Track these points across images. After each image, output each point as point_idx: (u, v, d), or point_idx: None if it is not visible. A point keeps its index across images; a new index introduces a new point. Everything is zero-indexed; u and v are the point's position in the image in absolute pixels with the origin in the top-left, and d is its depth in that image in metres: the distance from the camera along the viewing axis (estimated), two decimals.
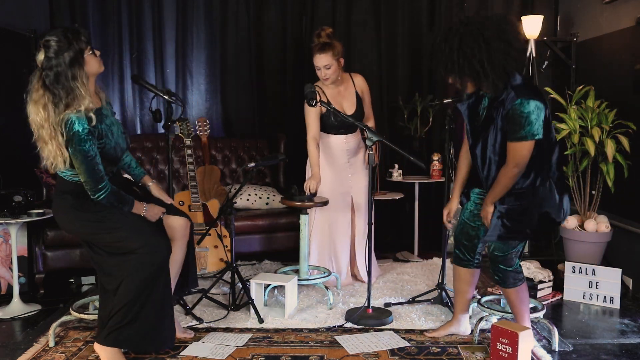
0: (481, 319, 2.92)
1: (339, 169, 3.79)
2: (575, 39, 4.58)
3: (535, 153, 2.53)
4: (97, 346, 2.61)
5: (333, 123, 3.71)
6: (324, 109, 3.66)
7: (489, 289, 3.70)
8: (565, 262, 3.69)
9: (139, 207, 2.68)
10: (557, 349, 2.84)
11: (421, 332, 3.02)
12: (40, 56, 2.48)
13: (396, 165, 4.76)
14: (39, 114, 2.47)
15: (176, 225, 2.82)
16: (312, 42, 3.70)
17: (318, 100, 3.30)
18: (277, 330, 3.05)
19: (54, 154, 2.50)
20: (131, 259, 2.56)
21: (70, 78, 2.45)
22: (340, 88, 3.76)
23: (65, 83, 2.45)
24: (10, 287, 3.58)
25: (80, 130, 2.46)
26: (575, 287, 3.60)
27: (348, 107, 3.73)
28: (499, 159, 2.59)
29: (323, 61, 3.57)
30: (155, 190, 2.94)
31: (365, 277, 3.77)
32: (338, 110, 3.43)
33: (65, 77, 2.45)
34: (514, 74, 2.53)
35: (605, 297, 3.50)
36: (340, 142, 3.78)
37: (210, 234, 3.83)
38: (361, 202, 3.83)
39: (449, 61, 2.52)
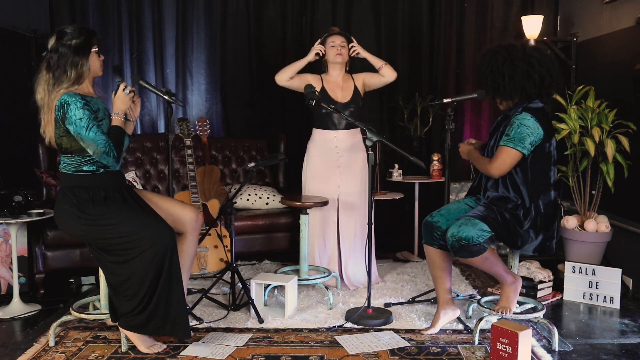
0: (481, 319, 2.91)
1: (326, 166, 3.78)
2: (575, 39, 4.58)
3: (531, 178, 2.77)
4: (120, 328, 2.74)
5: (320, 112, 3.75)
6: (319, 86, 3.78)
7: (489, 289, 3.70)
8: (565, 262, 3.69)
9: (117, 120, 2.66)
10: (557, 349, 2.84)
11: (421, 332, 3.01)
12: (52, 41, 2.62)
13: (396, 165, 4.76)
14: (39, 93, 2.62)
15: (186, 219, 2.82)
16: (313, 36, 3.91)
17: (317, 100, 3.31)
18: (277, 330, 3.05)
19: (45, 131, 2.64)
20: (135, 258, 2.59)
21: (71, 63, 2.58)
22: (340, 80, 3.84)
23: (66, 67, 2.57)
24: (10, 287, 3.58)
25: (75, 101, 2.53)
26: (575, 287, 3.60)
27: (343, 97, 3.78)
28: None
29: (341, 39, 3.80)
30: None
31: (355, 282, 3.78)
32: (337, 110, 3.45)
33: (66, 61, 2.58)
34: (533, 98, 2.80)
35: (605, 297, 3.50)
36: (330, 138, 3.78)
37: (210, 234, 3.83)
38: (354, 202, 3.75)
39: (479, 73, 2.90)
